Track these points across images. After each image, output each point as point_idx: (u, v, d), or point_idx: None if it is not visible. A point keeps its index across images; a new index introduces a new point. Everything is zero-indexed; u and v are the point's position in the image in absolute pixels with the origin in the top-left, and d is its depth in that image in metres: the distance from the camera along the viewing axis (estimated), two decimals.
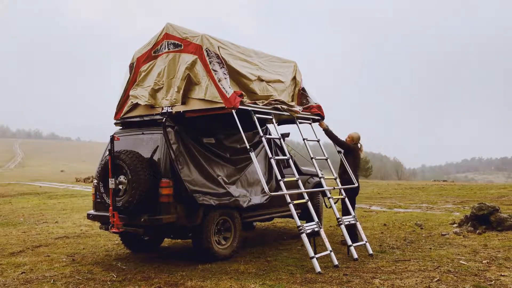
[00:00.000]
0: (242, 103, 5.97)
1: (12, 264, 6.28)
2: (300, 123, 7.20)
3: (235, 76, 6.34)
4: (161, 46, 6.53)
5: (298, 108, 7.22)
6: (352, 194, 7.24)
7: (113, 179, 5.77)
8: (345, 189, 7.07)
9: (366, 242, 6.57)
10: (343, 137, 7.55)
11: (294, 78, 7.60)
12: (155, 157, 6.00)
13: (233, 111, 5.86)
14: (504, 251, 6.42)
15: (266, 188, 5.95)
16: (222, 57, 6.16)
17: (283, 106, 6.76)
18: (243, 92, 6.25)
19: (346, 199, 6.94)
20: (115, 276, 5.52)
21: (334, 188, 7.09)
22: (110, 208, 5.78)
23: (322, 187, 6.96)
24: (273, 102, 6.67)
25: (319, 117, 7.55)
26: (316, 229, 5.94)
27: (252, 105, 6.30)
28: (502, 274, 5.20)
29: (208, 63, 6.03)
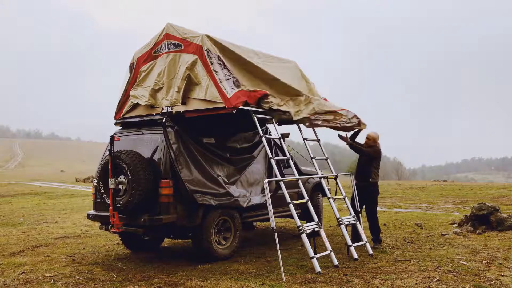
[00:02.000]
0: (247, 104, 5.98)
1: (12, 264, 6.28)
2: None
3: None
4: (161, 46, 6.53)
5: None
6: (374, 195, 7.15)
7: (113, 179, 5.77)
8: (368, 191, 7.04)
9: (366, 242, 6.57)
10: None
11: (303, 77, 7.62)
12: (155, 157, 5.99)
13: (233, 111, 5.85)
14: (504, 251, 6.42)
15: (266, 189, 5.94)
16: (222, 57, 6.15)
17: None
18: (267, 92, 6.29)
19: (346, 199, 6.95)
20: (115, 276, 5.53)
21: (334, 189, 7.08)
22: (110, 208, 5.78)
23: (322, 187, 6.95)
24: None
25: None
26: (316, 229, 5.93)
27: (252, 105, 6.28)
28: (502, 274, 5.20)
29: (209, 63, 6.03)
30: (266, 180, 5.79)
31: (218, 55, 6.12)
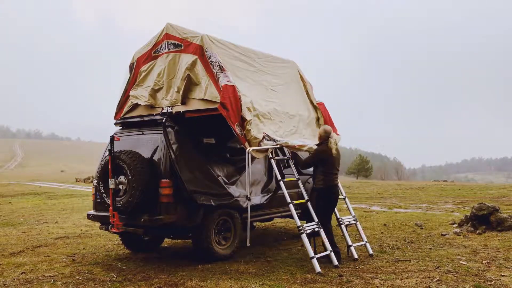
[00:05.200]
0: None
1: (12, 264, 6.28)
2: None
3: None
4: (161, 46, 6.53)
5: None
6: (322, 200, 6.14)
7: (113, 179, 5.77)
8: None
9: (366, 242, 6.57)
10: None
11: (301, 78, 7.62)
12: (155, 157, 5.99)
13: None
14: (504, 251, 6.42)
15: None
16: (222, 57, 6.15)
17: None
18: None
19: (346, 199, 6.94)
20: (115, 276, 5.53)
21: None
22: (110, 208, 5.78)
23: None
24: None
25: None
26: (316, 229, 5.93)
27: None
28: (502, 274, 5.19)
29: (209, 63, 6.03)
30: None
31: (218, 55, 6.12)
